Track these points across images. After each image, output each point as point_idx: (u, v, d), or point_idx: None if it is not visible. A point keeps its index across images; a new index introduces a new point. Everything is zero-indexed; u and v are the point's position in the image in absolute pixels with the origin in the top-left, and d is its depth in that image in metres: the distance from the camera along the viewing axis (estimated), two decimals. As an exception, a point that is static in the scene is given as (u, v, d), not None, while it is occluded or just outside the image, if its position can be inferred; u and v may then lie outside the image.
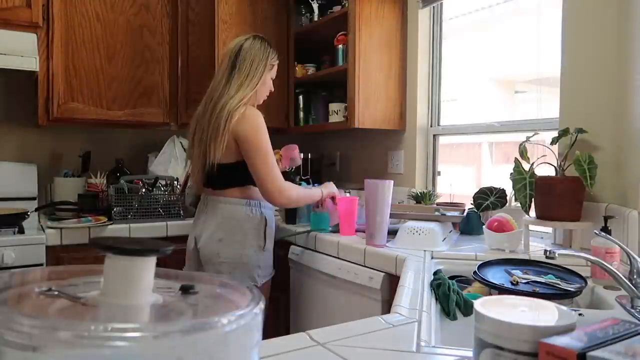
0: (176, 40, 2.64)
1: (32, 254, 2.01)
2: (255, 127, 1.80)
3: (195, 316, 0.50)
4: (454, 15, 2.57)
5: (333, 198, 2.08)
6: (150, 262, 0.48)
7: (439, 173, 2.56)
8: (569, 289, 1.22)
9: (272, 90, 2.00)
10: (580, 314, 1.03)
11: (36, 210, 2.38)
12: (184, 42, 2.66)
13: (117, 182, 2.39)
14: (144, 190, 2.39)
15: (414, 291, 1.22)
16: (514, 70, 2.52)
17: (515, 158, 1.78)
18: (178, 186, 2.47)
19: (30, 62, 2.18)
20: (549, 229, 1.90)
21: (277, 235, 2.00)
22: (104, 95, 2.48)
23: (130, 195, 2.34)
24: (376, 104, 2.49)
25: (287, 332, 2.13)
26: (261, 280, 1.86)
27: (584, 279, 1.28)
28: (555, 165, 1.75)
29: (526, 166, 1.74)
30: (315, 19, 2.75)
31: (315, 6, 2.75)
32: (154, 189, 2.41)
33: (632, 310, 1.11)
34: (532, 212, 1.74)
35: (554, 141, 1.76)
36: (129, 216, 2.33)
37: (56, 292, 0.48)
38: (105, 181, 2.53)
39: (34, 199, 2.49)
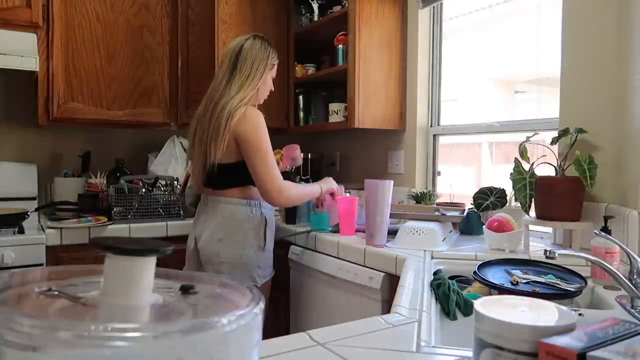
0: (176, 40, 2.64)
1: (32, 254, 2.01)
2: (256, 127, 1.80)
3: (195, 316, 0.50)
4: (454, 15, 2.57)
5: (333, 194, 2.08)
6: (150, 262, 0.48)
7: (439, 173, 2.56)
8: (569, 289, 1.22)
9: (272, 89, 2.00)
10: (580, 314, 1.03)
11: (36, 210, 2.38)
12: (184, 42, 2.66)
13: (117, 182, 2.39)
14: (144, 190, 2.39)
15: (414, 291, 1.22)
16: (514, 70, 2.52)
17: (515, 158, 1.78)
18: (178, 186, 2.47)
19: (30, 62, 2.18)
20: (549, 229, 1.90)
21: (277, 235, 2.01)
22: (104, 95, 2.48)
23: (130, 195, 2.34)
24: (376, 104, 2.49)
25: (287, 332, 2.13)
26: (261, 280, 1.86)
27: (584, 279, 1.28)
28: (555, 165, 1.75)
29: (526, 166, 1.74)
30: (315, 19, 2.75)
31: (315, 6, 2.75)
32: (154, 189, 2.41)
33: (632, 310, 1.11)
34: (532, 212, 1.74)
35: (554, 141, 1.76)
36: (129, 216, 2.33)
37: (56, 292, 0.48)
38: (105, 181, 2.53)
39: (34, 199, 2.49)
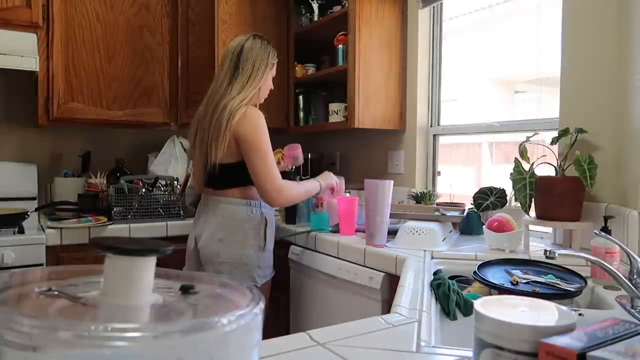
0: (176, 40, 2.64)
1: (32, 254, 2.01)
2: (256, 127, 1.80)
3: (195, 316, 0.50)
4: (454, 15, 2.57)
5: (332, 189, 2.08)
6: (150, 262, 0.48)
7: (439, 173, 2.56)
8: (569, 289, 1.22)
9: (272, 88, 2.00)
10: (580, 314, 1.03)
11: (36, 210, 2.38)
12: (184, 42, 2.66)
13: (117, 182, 2.39)
14: (144, 190, 2.39)
15: (414, 291, 1.22)
16: (514, 70, 2.52)
17: (515, 158, 1.78)
18: (178, 186, 2.47)
19: (30, 62, 2.18)
20: (549, 229, 1.90)
21: (277, 235, 2.00)
22: (104, 95, 2.48)
23: (130, 195, 2.34)
24: (376, 104, 2.49)
25: (287, 332, 2.13)
26: (261, 280, 1.86)
27: (584, 279, 1.28)
28: (555, 165, 1.75)
29: (526, 166, 1.74)
30: (315, 19, 2.75)
31: (315, 6, 2.75)
32: (154, 189, 2.41)
33: (632, 310, 1.11)
34: (532, 212, 1.74)
35: (554, 141, 1.76)
36: (129, 216, 2.33)
37: (56, 292, 0.48)
38: (105, 181, 2.53)
39: (34, 199, 2.49)
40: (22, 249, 1.99)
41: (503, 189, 1.94)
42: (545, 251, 1.11)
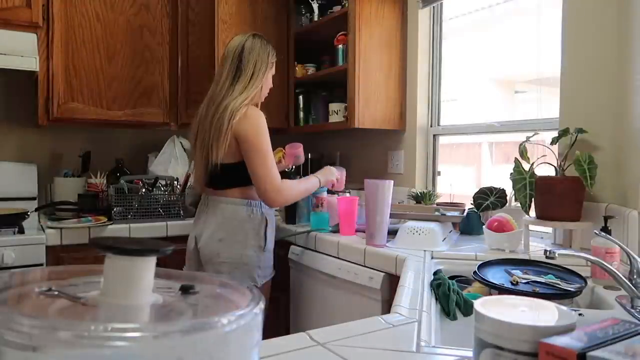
0: (176, 40, 2.64)
1: (32, 254, 2.01)
2: (256, 127, 1.80)
3: (195, 316, 0.50)
4: (454, 15, 2.57)
5: (333, 185, 2.08)
6: (150, 262, 0.48)
7: (439, 173, 2.56)
8: (569, 289, 1.22)
9: (271, 86, 2.00)
10: (580, 314, 1.03)
11: (36, 210, 2.38)
12: (184, 42, 2.66)
13: (117, 182, 2.39)
14: (144, 190, 2.39)
15: (414, 291, 1.22)
16: (514, 70, 2.52)
17: (515, 158, 1.78)
18: (178, 186, 2.47)
19: (30, 62, 2.18)
20: (549, 229, 1.90)
21: (277, 235, 2.00)
22: (104, 95, 2.48)
23: (130, 195, 2.34)
24: (376, 104, 2.49)
25: (287, 332, 2.13)
26: (261, 280, 1.86)
27: (584, 279, 1.28)
28: (555, 165, 1.75)
29: (526, 166, 1.74)
30: (315, 19, 2.75)
31: (315, 6, 2.75)
32: (154, 189, 2.41)
33: (632, 310, 1.11)
34: (532, 212, 1.74)
35: (554, 141, 1.76)
36: (129, 216, 2.33)
37: (56, 292, 0.48)
38: (105, 181, 2.53)
39: (34, 199, 2.49)
40: (22, 249, 1.99)
41: (503, 189, 1.94)
42: (545, 251, 1.11)
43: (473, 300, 0.81)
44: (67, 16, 2.37)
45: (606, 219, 1.44)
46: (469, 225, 2.04)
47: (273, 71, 1.96)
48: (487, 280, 1.25)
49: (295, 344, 0.86)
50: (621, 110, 1.64)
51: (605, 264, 1.14)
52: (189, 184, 2.48)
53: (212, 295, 0.55)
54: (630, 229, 1.50)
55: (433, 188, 2.52)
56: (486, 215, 1.94)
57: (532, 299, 0.68)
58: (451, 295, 1.19)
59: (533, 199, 1.70)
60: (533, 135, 1.81)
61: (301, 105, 2.91)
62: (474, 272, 1.30)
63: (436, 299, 1.20)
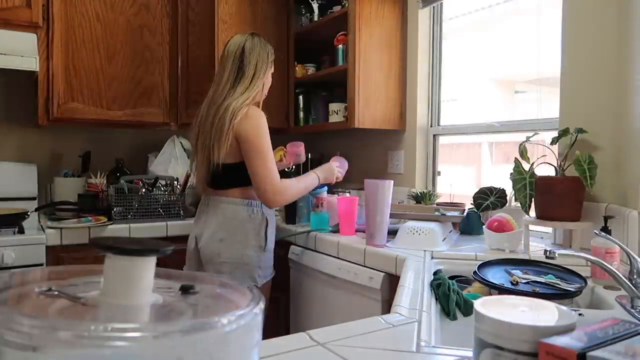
0: (176, 40, 2.64)
1: (32, 254, 2.01)
2: (257, 127, 1.80)
3: (195, 316, 0.50)
4: (454, 15, 2.57)
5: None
6: (150, 262, 0.48)
7: (439, 173, 2.56)
8: (569, 289, 1.22)
9: (271, 84, 1.99)
10: (580, 314, 1.03)
11: (36, 210, 2.38)
12: (184, 42, 2.66)
13: (117, 182, 2.39)
14: (144, 190, 2.39)
15: (414, 291, 1.22)
16: (514, 70, 2.52)
17: (515, 158, 1.78)
18: (178, 186, 2.47)
19: (30, 62, 2.18)
20: (549, 229, 1.90)
21: (277, 235, 2.00)
22: (104, 95, 2.48)
23: (130, 195, 2.34)
24: (376, 104, 2.49)
25: (287, 332, 2.13)
26: (261, 280, 1.86)
27: (584, 279, 1.28)
28: (555, 165, 1.75)
29: (526, 166, 1.74)
30: (315, 19, 2.75)
31: (315, 6, 2.75)
32: (154, 189, 2.41)
33: (632, 310, 1.11)
34: (532, 212, 1.74)
35: (554, 141, 1.76)
36: (129, 216, 2.33)
37: (56, 292, 0.48)
38: (105, 181, 2.53)
39: (34, 199, 2.49)
40: (22, 249, 1.99)
41: (503, 189, 1.94)
42: (545, 251, 1.11)
43: (473, 300, 0.81)
44: (67, 16, 2.37)
45: (606, 219, 1.44)
46: (469, 225, 2.04)
47: (272, 69, 1.96)
48: (487, 280, 1.25)
49: (295, 344, 0.86)
50: (621, 110, 1.64)
51: (605, 264, 1.14)
52: (189, 184, 2.48)
53: (212, 295, 0.55)
54: (630, 229, 1.50)
55: (433, 188, 2.52)
56: (486, 215, 1.94)
57: (532, 299, 0.68)
58: (451, 295, 1.19)
59: (533, 199, 1.70)
60: (533, 135, 1.81)
61: (301, 105, 2.91)
62: (474, 272, 1.30)
63: (436, 299, 1.20)
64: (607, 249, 1.35)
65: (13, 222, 2.10)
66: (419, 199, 2.29)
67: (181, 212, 2.43)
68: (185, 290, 0.52)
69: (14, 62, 2.15)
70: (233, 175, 1.85)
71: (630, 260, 1.20)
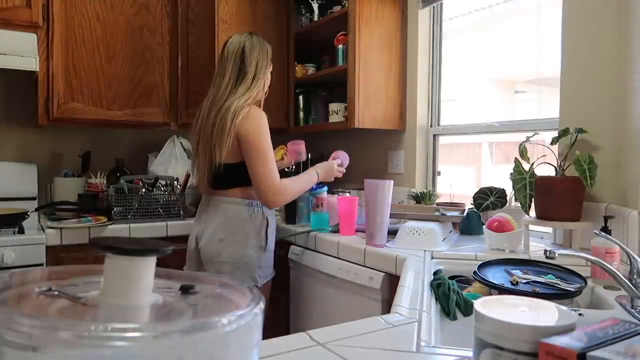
0: (176, 40, 2.64)
1: (32, 254, 2.01)
2: (257, 127, 1.80)
3: (195, 316, 0.50)
4: (454, 15, 2.57)
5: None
6: (150, 262, 0.48)
7: (439, 173, 2.56)
8: (569, 289, 1.22)
9: (269, 82, 1.99)
10: (580, 314, 1.03)
11: (36, 210, 2.38)
12: (184, 42, 2.66)
13: (117, 182, 2.39)
14: (144, 190, 2.39)
15: (414, 291, 1.22)
16: (514, 70, 2.52)
17: (515, 158, 1.78)
18: (178, 186, 2.47)
19: (30, 62, 2.18)
20: (549, 229, 1.90)
21: (277, 235, 2.00)
22: (104, 95, 2.48)
23: (130, 195, 2.34)
24: (376, 104, 2.49)
25: (287, 332, 2.13)
26: (262, 280, 1.86)
27: (584, 279, 1.28)
28: (555, 165, 1.75)
29: (526, 166, 1.74)
30: (315, 19, 2.75)
31: (315, 6, 2.75)
32: (154, 189, 2.41)
33: (632, 310, 1.11)
34: (532, 212, 1.74)
35: (554, 141, 1.76)
36: (129, 216, 2.33)
37: (56, 292, 0.48)
38: (105, 181, 2.53)
39: (34, 199, 2.49)
40: (22, 249, 1.99)
41: (503, 189, 1.94)
42: (545, 251, 1.11)
43: (473, 300, 0.81)
44: (67, 16, 2.37)
45: (606, 219, 1.44)
46: (469, 225, 2.04)
47: (271, 67, 1.96)
48: (487, 280, 1.25)
49: (295, 344, 0.86)
50: (621, 110, 1.64)
51: (605, 264, 1.14)
52: (189, 184, 2.48)
53: (212, 295, 0.55)
54: (630, 229, 1.50)
55: (433, 188, 2.52)
56: (486, 215, 1.94)
57: (532, 299, 0.68)
58: (451, 295, 1.19)
59: (533, 199, 1.70)
60: (533, 135, 1.81)
61: (301, 105, 2.91)
62: (474, 272, 1.30)
63: (436, 299, 1.20)
64: (607, 249, 1.35)
65: (13, 222, 2.10)
66: (419, 199, 2.29)
67: (181, 212, 2.43)
68: (185, 290, 0.52)
69: (14, 62, 2.15)
70: (234, 175, 1.85)
71: (630, 260, 1.20)
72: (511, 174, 1.75)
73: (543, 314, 0.64)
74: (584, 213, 1.67)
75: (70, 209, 2.32)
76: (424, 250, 1.67)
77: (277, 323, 2.21)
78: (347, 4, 2.47)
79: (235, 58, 1.85)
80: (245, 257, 1.82)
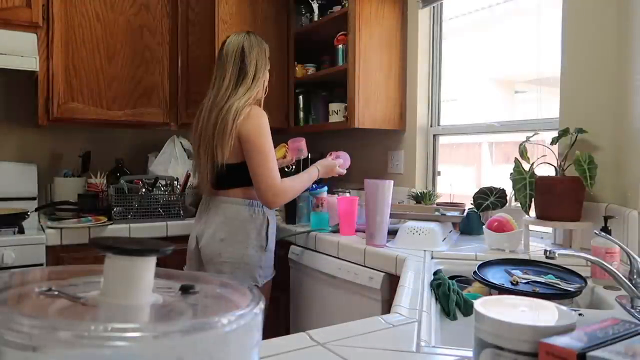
0: (176, 40, 2.64)
1: (32, 254, 2.01)
2: (258, 127, 1.80)
3: (195, 316, 0.50)
4: (454, 15, 2.57)
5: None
6: (150, 262, 0.48)
7: (439, 173, 2.56)
8: (569, 289, 1.22)
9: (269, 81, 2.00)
10: (580, 314, 1.03)
11: (36, 210, 2.38)
12: (184, 42, 2.66)
13: (117, 182, 2.39)
14: (144, 190, 2.39)
15: (414, 291, 1.22)
16: (514, 70, 2.52)
17: (515, 158, 1.78)
18: (178, 186, 2.47)
19: (30, 62, 2.18)
20: (549, 229, 1.89)
21: (277, 235, 2.00)
22: (104, 95, 2.48)
23: (130, 195, 2.34)
24: (376, 104, 2.49)
25: (287, 332, 2.13)
26: (262, 280, 1.86)
27: (584, 279, 1.28)
28: (555, 165, 1.75)
29: (526, 166, 1.74)
30: (315, 19, 2.75)
31: (315, 6, 2.75)
32: (154, 189, 2.41)
33: (632, 310, 1.11)
34: (532, 212, 1.74)
35: (554, 141, 1.76)
36: (129, 216, 2.33)
37: (56, 292, 0.48)
38: (105, 181, 2.53)
39: (34, 199, 2.49)
40: (22, 249, 1.99)
41: (503, 189, 1.94)
42: (545, 251, 1.11)
43: (473, 300, 0.81)
44: (67, 16, 2.37)
45: (606, 219, 1.44)
46: (469, 225, 2.04)
47: (269, 66, 1.96)
48: (487, 280, 1.25)
49: (295, 344, 0.86)
50: (621, 110, 1.64)
51: (605, 264, 1.14)
52: (189, 184, 2.48)
53: (212, 295, 0.55)
54: (630, 229, 1.50)
55: (433, 188, 2.52)
56: (486, 215, 1.94)
57: (532, 299, 0.68)
58: (451, 295, 1.19)
59: (533, 199, 1.70)
60: (533, 135, 1.81)
61: (301, 105, 2.91)
62: (474, 272, 1.30)
63: (436, 299, 1.20)
64: (607, 249, 1.35)
65: (13, 222, 2.10)
66: (419, 199, 2.29)
67: (181, 212, 2.43)
68: (185, 290, 0.52)
69: (14, 62, 2.15)
70: (235, 175, 1.84)
71: (630, 260, 1.20)
72: (511, 174, 1.75)
73: (543, 314, 0.64)
74: (584, 213, 1.67)
75: (70, 209, 2.32)
76: (424, 250, 1.67)
77: (277, 323, 2.21)
78: (347, 4, 2.47)
79: (234, 59, 1.85)
80: (245, 257, 1.82)
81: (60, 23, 2.35)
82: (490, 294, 1.24)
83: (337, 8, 2.60)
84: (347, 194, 2.31)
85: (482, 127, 2.32)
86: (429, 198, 2.26)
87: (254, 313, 0.46)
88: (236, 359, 0.45)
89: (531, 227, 1.78)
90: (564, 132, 1.73)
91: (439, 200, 2.31)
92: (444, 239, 1.78)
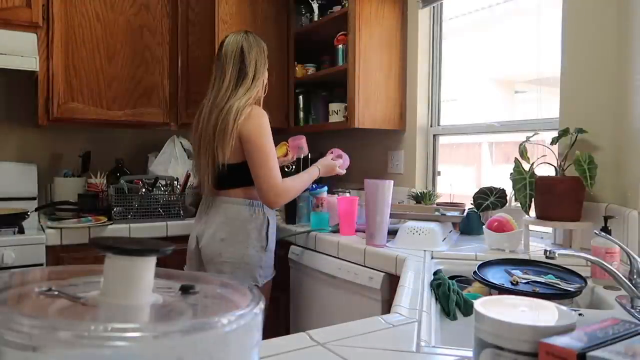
0: (176, 40, 2.64)
1: (32, 254, 2.01)
2: (259, 127, 1.80)
3: (195, 316, 0.50)
4: (454, 15, 2.57)
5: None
6: (150, 262, 0.48)
7: (439, 173, 2.56)
8: (569, 289, 1.22)
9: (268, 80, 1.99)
10: (580, 314, 1.03)
11: (36, 210, 2.38)
12: (184, 42, 2.66)
13: (117, 182, 2.39)
14: (144, 190, 2.39)
15: (414, 291, 1.22)
16: (514, 70, 2.52)
17: (515, 158, 1.78)
18: (178, 186, 2.47)
19: (30, 62, 2.18)
20: (549, 229, 1.89)
21: (277, 235, 2.00)
22: (104, 95, 2.48)
23: (130, 195, 2.34)
24: (376, 104, 2.49)
25: (287, 332, 2.13)
26: (262, 280, 1.86)
27: (584, 279, 1.28)
28: (555, 165, 1.75)
29: (526, 166, 1.74)
30: (315, 19, 2.75)
31: (315, 6, 2.75)
32: (154, 189, 2.41)
33: (632, 310, 1.11)
34: (532, 212, 1.74)
35: (554, 141, 1.76)
36: (129, 216, 2.33)
37: (56, 292, 0.48)
38: (105, 181, 2.53)
39: (34, 199, 2.49)
40: (22, 249, 1.99)
41: (503, 189, 1.94)
42: (545, 251, 1.11)
43: (473, 300, 0.81)
44: (67, 16, 2.37)
45: (606, 219, 1.44)
46: (469, 225, 2.04)
47: (267, 65, 1.96)
48: (487, 280, 1.25)
49: (295, 344, 0.86)
50: (621, 110, 1.64)
51: (605, 264, 1.14)
52: (189, 184, 2.48)
53: (212, 295, 0.55)
54: (630, 229, 1.50)
55: (433, 188, 2.52)
56: (486, 215, 1.94)
57: (532, 299, 0.68)
58: (451, 295, 1.19)
59: (533, 199, 1.70)
60: (533, 135, 1.81)
61: (301, 105, 2.91)
62: (474, 272, 1.30)
63: (436, 299, 1.20)
64: (607, 249, 1.35)
65: (13, 222, 2.10)
66: (419, 199, 2.29)
67: (181, 212, 2.43)
68: (185, 290, 0.52)
69: (14, 62, 2.15)
70: (235, 175, 1.84)
71: (630, 260, 1.20)
72: (511, 174, 1.75)
73: (543, 314, 0.64)
74: (584, 213, 1.67)
75: (70, 209, 2.32)
76: (424, 250, 1.67)
77: (277, 323, 2.21)
78: (347, 4, 2.47)
79: (234, 59, 1.85)
80: (246, 257, 1.82)
81: (60, 23, 2.35)
82: (490, 294, 1.24)
83: (337, 8, 2.60)
84: (347, 194, 2.31)
85: (482, 127, 2.32)
86: (429, 198, 2.26)
87: (254, 313, 0.46)
88: (236, 359, 0.45)
89: (531, 227, 1.78)
90: (564, 132, 1.73)
91: (439, 200, 2.31)
92: (444, 239, 1.78)
